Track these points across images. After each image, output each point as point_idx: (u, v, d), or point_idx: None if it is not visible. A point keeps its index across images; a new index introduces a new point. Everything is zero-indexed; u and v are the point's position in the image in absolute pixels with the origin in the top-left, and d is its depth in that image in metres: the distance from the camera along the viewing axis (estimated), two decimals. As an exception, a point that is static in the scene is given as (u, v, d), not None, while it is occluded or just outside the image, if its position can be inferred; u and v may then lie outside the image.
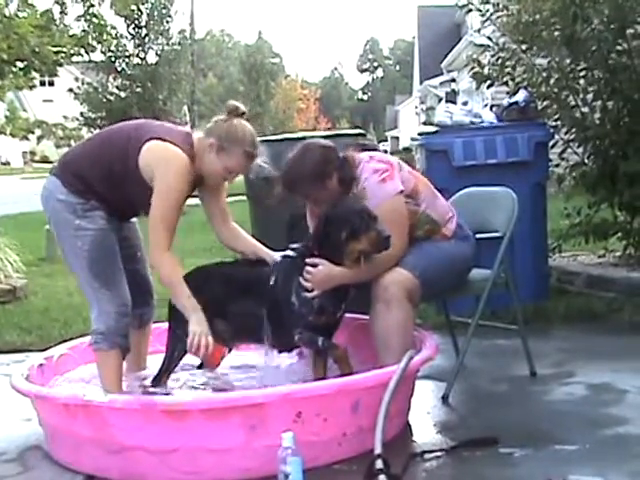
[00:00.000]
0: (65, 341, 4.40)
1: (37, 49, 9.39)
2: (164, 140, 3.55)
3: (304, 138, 4.00)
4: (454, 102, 6.62)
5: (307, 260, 3.61)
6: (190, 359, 3.90)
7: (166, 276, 3.56)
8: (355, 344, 4.05)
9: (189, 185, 3.59)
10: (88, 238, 3.58)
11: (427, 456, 3.24)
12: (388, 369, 3.34)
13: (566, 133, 6.59)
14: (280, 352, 3.85)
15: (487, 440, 3.31)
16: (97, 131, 4.05)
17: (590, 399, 3.96)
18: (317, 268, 3.58)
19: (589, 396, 4.00)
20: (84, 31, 10.71)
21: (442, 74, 30.73)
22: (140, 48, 31.55)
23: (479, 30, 7.61)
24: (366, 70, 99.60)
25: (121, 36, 30.21)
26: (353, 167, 3.78)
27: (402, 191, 3.72)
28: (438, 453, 3.27)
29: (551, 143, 6.19)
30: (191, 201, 3.77)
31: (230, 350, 4.09)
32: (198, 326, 3.51)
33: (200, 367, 4.05)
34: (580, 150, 6.64)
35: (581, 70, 6.44)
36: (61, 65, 10.47)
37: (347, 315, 3.91)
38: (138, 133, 3.60)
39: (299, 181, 3.72)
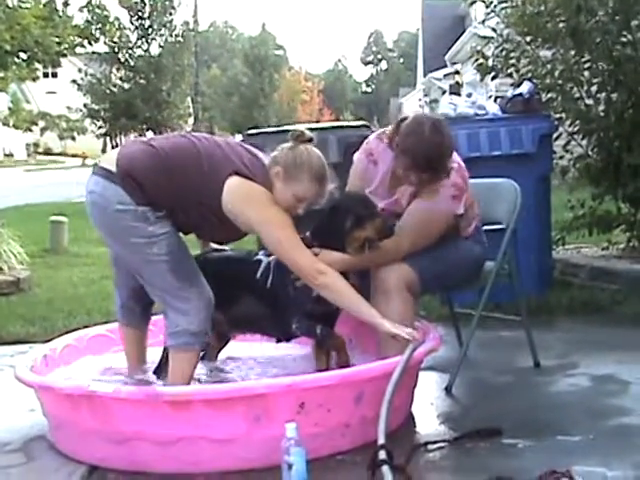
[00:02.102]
0: (69, 332, 4.40)
1: (40, 40, 9.38)
2: (243, 176, 3.40)
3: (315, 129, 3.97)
4: (458, 94, 6.59)
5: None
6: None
7: (342, 288, 3.43)
8: (359, 335, 4.05)
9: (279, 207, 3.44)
10: (164, 242, 3.43)
11: (430, 447, 3.24)
12: (391, 360, 3.33)
13: (570, 125, 6.58)
14: (278, 342, 3.87)
15: (491, 431, 3.31)
16: (159, 137, 3.81)
17: (594, 390, 3.96)
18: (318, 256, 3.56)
19: (593, 387, 4.00)
20: (87, 22, 10.76)
21: (446, 66, 30.67)
22: (143, 39, 31.60)
23: (483, 22, 7.62)
24: (370, 62, 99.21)
25: (124, 27, 30.26)
26: None
27: (460, 215, 3.74)
28: (441, 444, 3.26)
29: (555, 135, 6.19)
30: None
31: (228, 341, 4.10)
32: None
33: (202, 358, 4.04)
34: (584, 142, 6.64)
35: (585, 62, 6.43)
36: (64, 56, 10.48)
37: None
38: (214, 166, 3.41)
39: (442, 156, 3.59)
